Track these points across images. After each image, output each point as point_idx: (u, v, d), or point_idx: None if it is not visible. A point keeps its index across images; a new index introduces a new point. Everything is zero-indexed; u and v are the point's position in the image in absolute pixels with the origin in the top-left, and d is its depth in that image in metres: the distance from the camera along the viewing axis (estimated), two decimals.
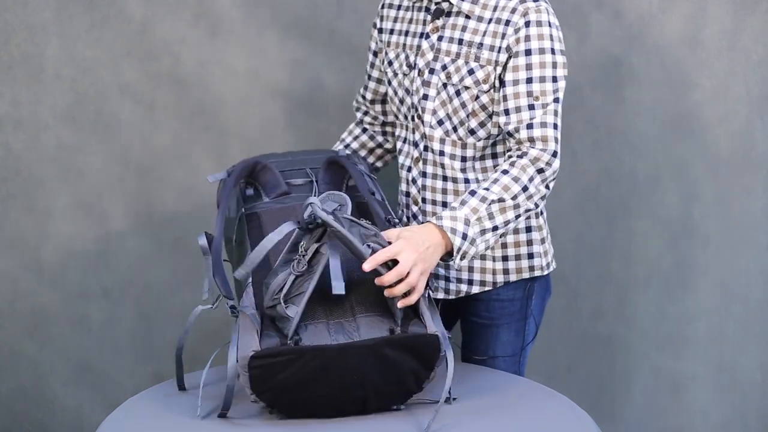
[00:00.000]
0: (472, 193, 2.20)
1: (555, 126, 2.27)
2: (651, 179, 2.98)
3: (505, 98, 2.29)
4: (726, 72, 2.94)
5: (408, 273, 2.05)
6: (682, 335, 3.03)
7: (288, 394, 2.01)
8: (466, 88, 2.34)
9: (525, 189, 2.22)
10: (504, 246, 2.42)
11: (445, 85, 2.36)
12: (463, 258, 2.18)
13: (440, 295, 2.47)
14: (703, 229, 2.99)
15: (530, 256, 2.44)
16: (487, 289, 2.44)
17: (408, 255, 2.06)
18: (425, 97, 2.38)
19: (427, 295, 2.13)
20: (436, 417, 2.03)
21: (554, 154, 2.26)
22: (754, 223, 2.99)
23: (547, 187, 2.27)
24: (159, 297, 3.01)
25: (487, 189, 2.20)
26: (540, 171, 2.25)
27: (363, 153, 2.63)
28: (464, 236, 2.16)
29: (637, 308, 3.03)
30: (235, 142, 2.97)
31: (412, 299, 2.06)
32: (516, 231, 2.42)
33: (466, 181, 2.39)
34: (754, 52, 2.93)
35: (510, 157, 2.27)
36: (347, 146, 2.63)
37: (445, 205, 2.42)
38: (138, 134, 2.95)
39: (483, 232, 2.19)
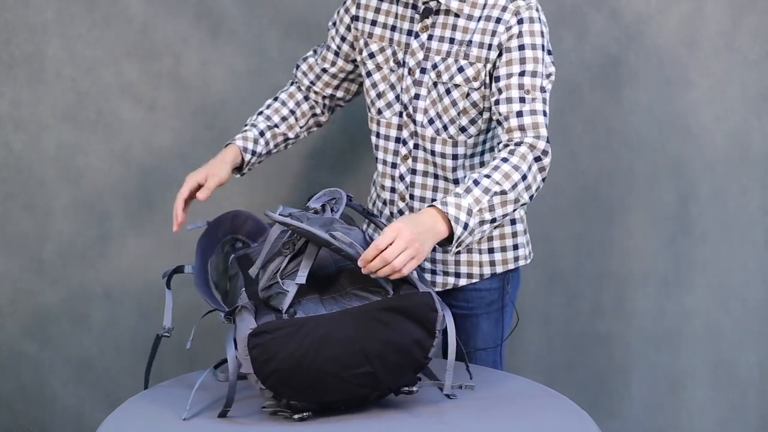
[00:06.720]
0: (476, 182, 2.20)
1: (544, 113, 2.31)
2: (649, 178, 2.99)
3: (499, 90, 2.32)
4: (723, 71, 2.95)
5: (395, 257, 2.07)
6: (680, 333, 3.04)
7: (293, 374, 2.02)
8: (456, 85, 2.36)
9: (524, 178, 2.24)
10: (490, 239, 2.46)
11: (435, 84, 2.38)
12: (458, 246, 2.20)
13: None
14: (701, 227, 3.01)
15: (515, 247, 2.49)
16: (474, 281, 2.48)
17: (398, 243, 2.08)
18: (417, 96, 2.40)
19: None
20: (450, 382, 2.12)
21: (547, 140, 2.29)
22: (750, 221, 3.00)
23: (543, 179, 2.29)
24: (160, 297, 3.01)
25: (488, 177, 2.21)
26: (537, 159, 2.27)
27: (298, 121, 2.59)
28: (465, 226, 2.17)
29: (635, 306, 3.04)
30: None
31: (392, 278, 2.09)
32: (501, 224, 2.45)
33: (455, 181, 2.43)
34: (751, 51, 2.94)
35: (507, 145, 2.29)
36: (285, 105, 2.57)
37: (433, 201, 2.43)
38: (139, 134, 2.95)
39: (482, 223, 2.20)
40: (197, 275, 2.30)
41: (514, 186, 2.22)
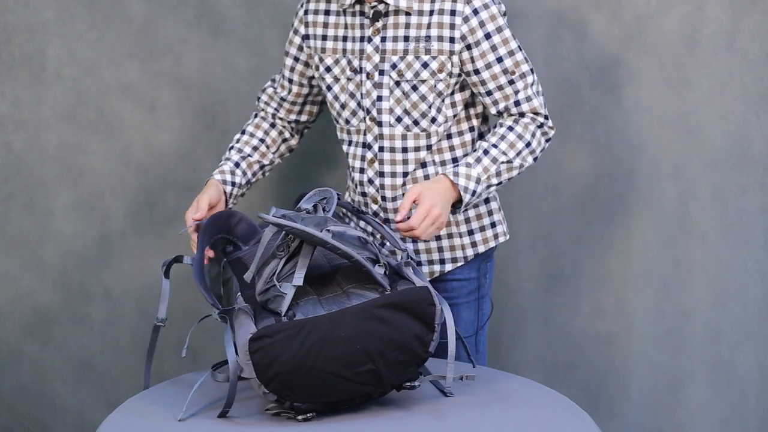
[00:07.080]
0: (485, 152, 2.39)
1: (537, 92, 2.45)
2: (649, 178, 2.99)
3: (483, 82, 2.44)
4: (723, 71, 2.95)
5: (431, 209, 2.29)
6: (680, 333, 3.04)
7: (295, 377, 2.02)
8: (423, 81, 2.43)
9: (528, 144, 2.43)
10: (468, 221, 2.54)
11: (398, 83, 2.44)
12: (465, 210, 2.42)
13: None
14: (701, 227, 3.01)
15: (493, 225, 2.58)
16: (459, 264, 2.55)
17: (428, 194, 2.29)
18: (379, 98, 2.45)
19: (408, 262, 2.22)
20: (452, 375, 2.14)
21: (546, 117, 2.47)
22: (750, 220, 3.00)
23: (548, 140, 2.47)
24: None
25: (496, 147, 2.40)
26: (540, 126, 2.46)
27: (270, 148, 2.63)
28: (473, 193, 2.38)
29: (635, 306, 3.04)
30: None
31: (432, 234, 2.31)
32: (476, 204, 2.53)
33: (423, 164, 2.49)
34: (751, 51, 2.94)
35: (512, 115, 2.44)
36: (254, 136, 2.61)
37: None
38: (139, 134, 2.96)
39: (489, 187, 2.41)
40: (196, 266, 2.29)
41: (519, 153, 2.41)
